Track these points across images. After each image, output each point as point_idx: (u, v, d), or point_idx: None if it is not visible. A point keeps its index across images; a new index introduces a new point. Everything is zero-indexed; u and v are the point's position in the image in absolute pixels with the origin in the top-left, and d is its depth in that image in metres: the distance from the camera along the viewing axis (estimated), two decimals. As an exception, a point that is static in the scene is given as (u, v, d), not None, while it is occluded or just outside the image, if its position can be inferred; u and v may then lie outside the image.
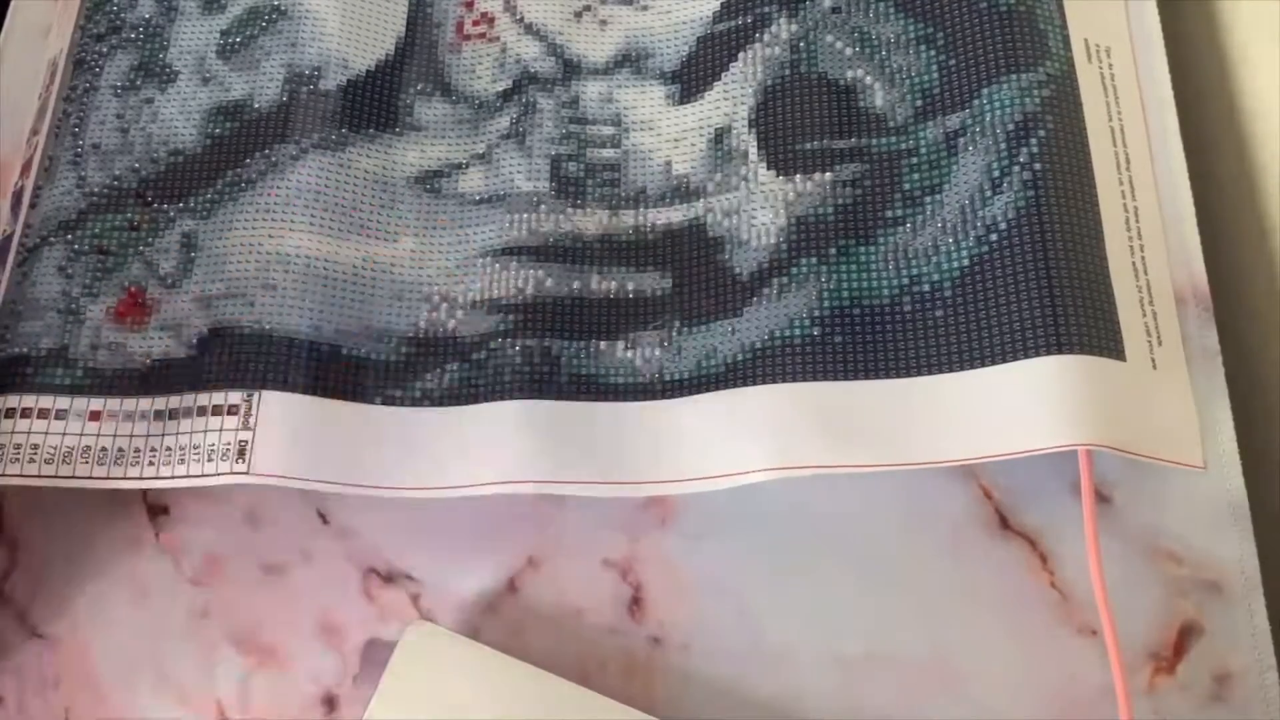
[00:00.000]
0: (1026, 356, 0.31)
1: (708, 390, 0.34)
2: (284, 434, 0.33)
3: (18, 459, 0.33)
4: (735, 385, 0.33)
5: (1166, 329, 0.33)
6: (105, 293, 0.36)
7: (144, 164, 0.37)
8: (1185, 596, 0.32)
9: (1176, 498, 0.33)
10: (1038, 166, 0.34)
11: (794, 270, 0.35)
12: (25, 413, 0.34)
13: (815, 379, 0.33)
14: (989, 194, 0.34)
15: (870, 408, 0.32)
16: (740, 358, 0.34)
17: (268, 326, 0.34)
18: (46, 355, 0.34)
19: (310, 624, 0.32)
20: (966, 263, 0.33)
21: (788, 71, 0.37)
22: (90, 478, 0.33)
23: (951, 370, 0.32)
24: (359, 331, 0.35)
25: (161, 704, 0.33)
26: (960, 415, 0.32)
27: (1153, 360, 0.33)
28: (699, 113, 0.38)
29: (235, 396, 0.33)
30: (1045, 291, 0.32)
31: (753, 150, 0.37)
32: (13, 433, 0.33)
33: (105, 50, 0.39)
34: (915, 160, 0.35)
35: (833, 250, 0.35)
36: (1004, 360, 0.32)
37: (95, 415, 0.34)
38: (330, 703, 0.32)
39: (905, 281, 0.34)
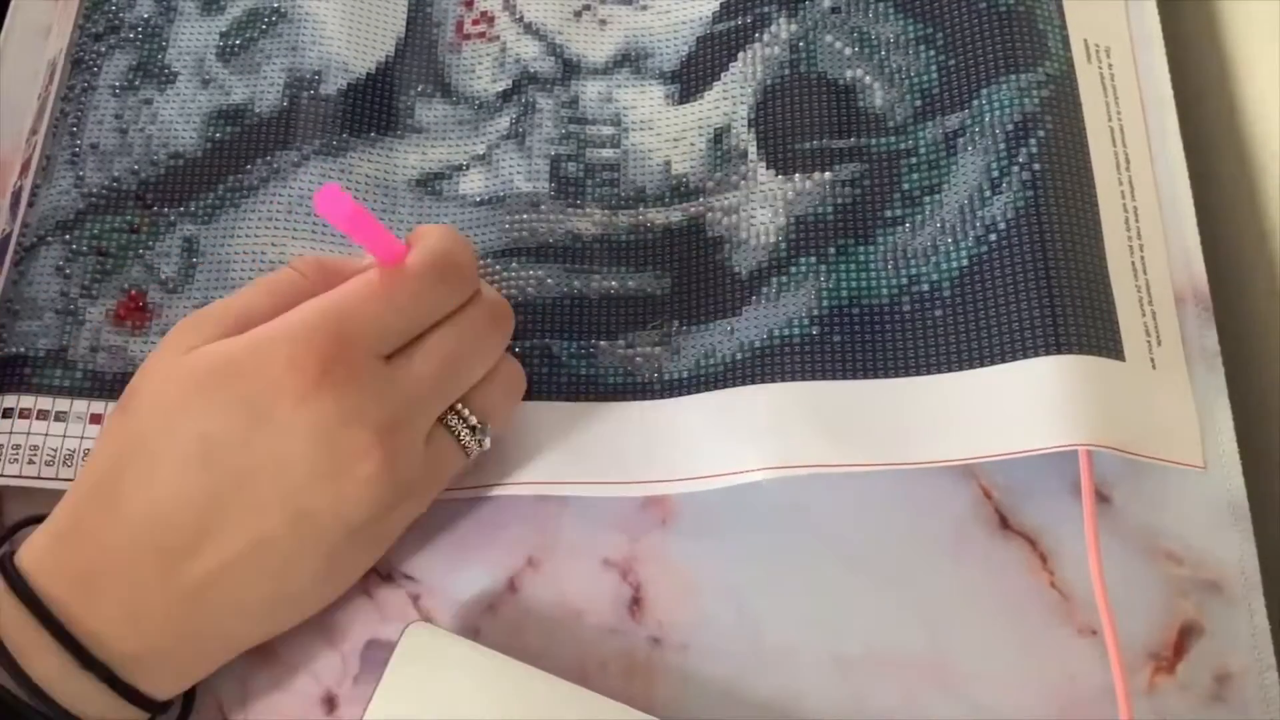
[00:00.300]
0: (1025, 356, 0.31)
1: (707, 390, 0.34)
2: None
3: (17, 459, 0.33)
4: (734, 385, 0.33)
5: (1166, 329, 0.33)
6: (104, 295, 0.36)
7: (143, 166, 0.37)
8: (1185, 596, 0.32)
9: (1176, 497, 0.33)
10: (1037, 167, 0.34)
11: (793, 270, 0.35)
12: (24, 413, 0.34)
13: (814, 378, 0.33)
14: (988, 194, 0.34)
15: (869, 407, 0.32)
16: (739, 357, 0.34)
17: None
18: (45, 356, 0.34)
19: (310, 624, 0.32)
20: (965, 263, 0.33)
21: (787, 71, 0.37)
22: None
23: (951, 370, 0.32)
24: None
25: (161, 704, 0.33)
26: (959, 415, 0.32)
27: (1152, 360, 0.33)
28: (698, 112, 0.38)
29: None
30: (1044, 291, 0.32)
31: (752, 150, 0.37)
32: (11, 432, 0.33)
33: (103, 50, 0.39)
34: (914, 160, 0.35)
35: (832, 250, 0.35)
36: (1003, 360, 0.32)
37: (96, 418, 0.34)
38: (330, 703, 0.32)
39: (904, 281, 0.34)
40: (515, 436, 0.33)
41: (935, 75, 0.36)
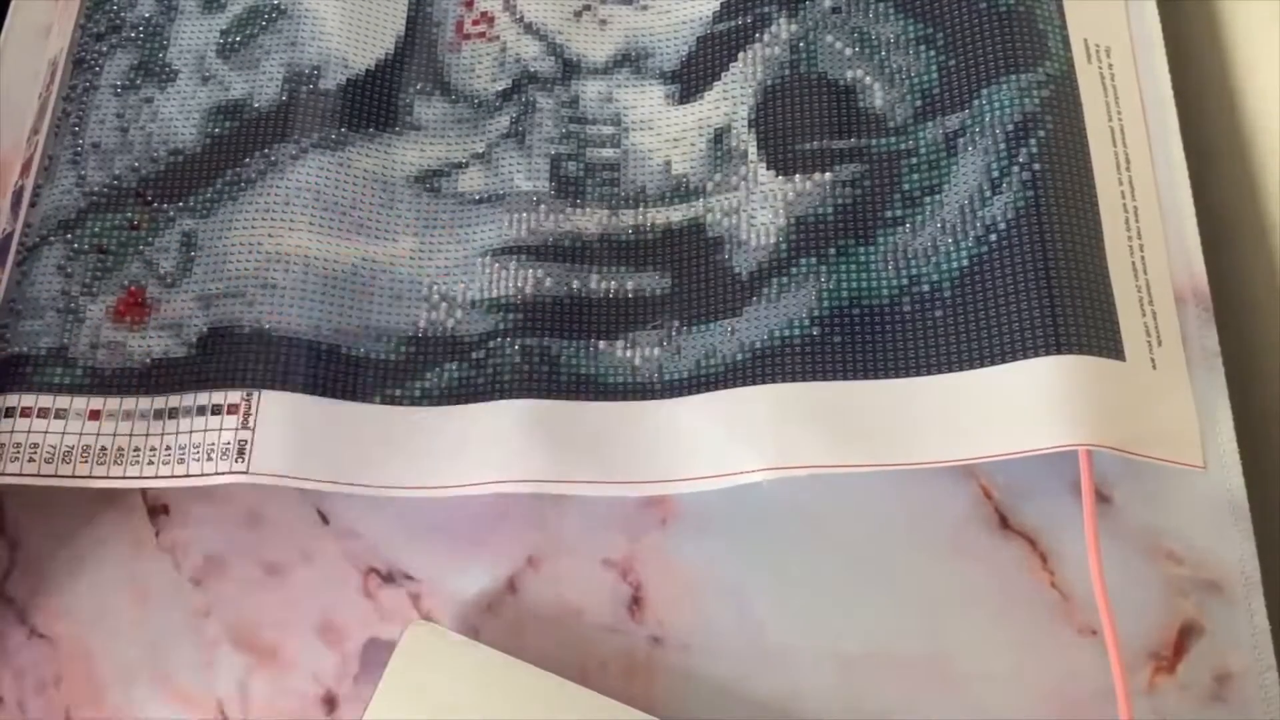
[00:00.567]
0: (1026, 357, 0.31)
1: (707, 390, 0.34)
2: (283, 433, 0.33)
3: (17, 458, 0.33)
4: (734, 385, 0.33)
5: (1166, 329, 0.33)
6: (105, 292, 0.36)
7: (144, 163, 0.37)
8: (1185, 596, 0.32)
9: (1176, 497, 0.33)
10: (1037, 167, 0.34)
11: (793, 270, 0.35)
12: (25, 412, 0.34)
13: (814, 379, 0.33)
14: (988, 194, 0.34)
15: (869, 408, 0.32)
16: (739, 357, 0.34)
17: (267, 326, 0.34)
18: (46, 354, 0.34)
19: (310, 624, 0.32)
20: (966, 263, 0.33)
21: (787, 71, 0.37)
22: (90, 477, 0.33)
23: (951, 370, 0.32)
24: (358, 331, 0.35)
25: (161, 704, 0.33)
26: (959, 415, 0.32)
27: (1152, 360, 0.33)
28: (698, 112, 0.38)
29: (235, 396, 0.33)
30: (1045, 292, 0.32)
31: (752, 150, 0.37)
32: (12, 432, 0.33)
33: (105, 49, 0.39)
34: (915, 160, 0.35)
35: (832, 250, 0.35)
36: (1003, 360, 0.32)
37: (95, 414, 0.34)
38: (330, 703, 0.32)
39: (905, 282, 0.34)
40: (515, 436, 0.33)
41: (935, 75, 0.36)
